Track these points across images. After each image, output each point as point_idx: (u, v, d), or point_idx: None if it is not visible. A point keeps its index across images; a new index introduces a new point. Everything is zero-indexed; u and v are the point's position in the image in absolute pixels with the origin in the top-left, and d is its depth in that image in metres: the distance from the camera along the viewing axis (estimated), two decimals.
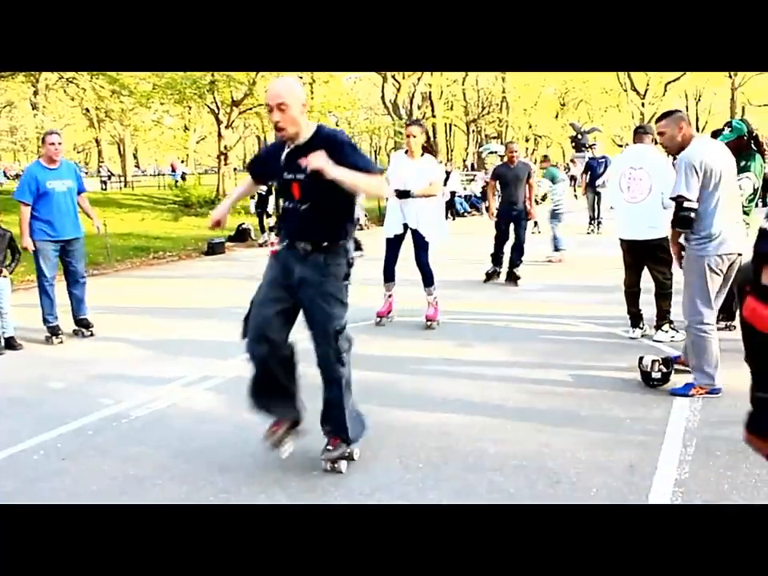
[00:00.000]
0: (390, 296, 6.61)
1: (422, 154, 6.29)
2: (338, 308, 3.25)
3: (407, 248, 6.43)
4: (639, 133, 5.93)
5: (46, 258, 6.19)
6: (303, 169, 3.04)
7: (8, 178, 32.80)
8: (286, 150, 3.22)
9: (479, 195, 22.18)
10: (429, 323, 6.35)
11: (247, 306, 3.34)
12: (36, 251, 6.18)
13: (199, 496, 3.18)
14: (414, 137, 6.20)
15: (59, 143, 6.21)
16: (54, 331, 6.29)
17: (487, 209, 9.28)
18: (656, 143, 5.93)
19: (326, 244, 3.22)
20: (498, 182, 8.78)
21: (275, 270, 3.33)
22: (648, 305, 5.74)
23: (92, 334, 6.48)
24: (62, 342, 6.27)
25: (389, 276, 6.52)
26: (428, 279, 6.38)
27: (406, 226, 6.30)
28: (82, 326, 6.49)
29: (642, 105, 40.88)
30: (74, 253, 6.36)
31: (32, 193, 6.09)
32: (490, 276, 8.80)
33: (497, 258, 8.82)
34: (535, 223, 14.71)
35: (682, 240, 4.42)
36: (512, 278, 8.58)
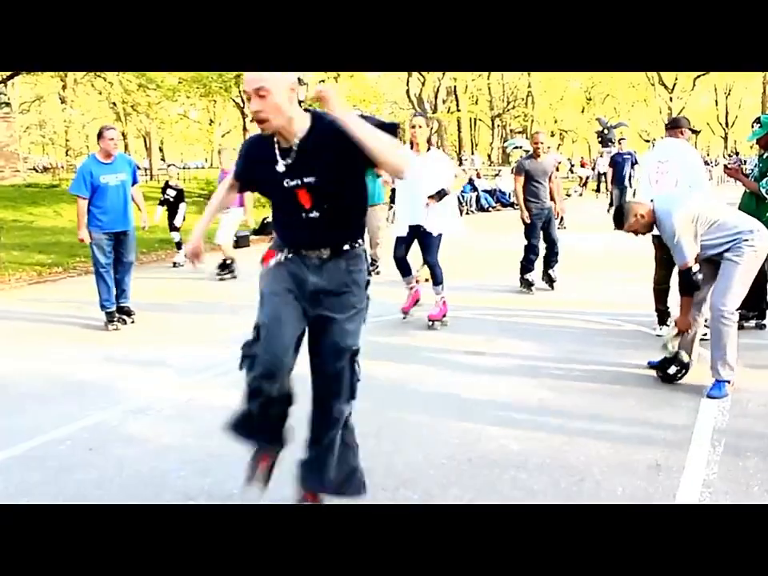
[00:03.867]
0: (411, 288, 6.45)
1: (428, 149, 6.10)
2: (356, 323, 2.70)
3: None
4: (671, 126, 5.84)
5: (100, 247, 6.44)
6: (312, 171, 2.54)
7: (36, 171, 33.25)
8: (279, 152, 2.59)
9: (504, 190, 22.05)
10: (431, 323, 6.18)
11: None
12: (91, 241, 6.44)
13: (222, 489, 3.19)
14: (420, 127, 5.97)
15: (112, 138, 6.41)
16: (111, 317, 6.50)
17: (518, 207, 7.82)
18: (695, 132, 5.86)
19: (346, 247, 2.67)
20: (524, 177, 7.78)
21: (284, 280, 2.67)
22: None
23: (133, 322, 6.64)
24: (117, 329, 6.44)
25: (404, 270, 6.35)
26: (436, 278, 6.23)
27: (411, 228, 6.13)
28: (124, 313, 6.65)
29: (670, 99, 40.31)
30: (124, 244, 6.60)
31: (87, 186, 6.32)
32: (529, 285, 7.87)
33: (527, 265, 7.89)
34: (561, 218, 14.56)
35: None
36: (548, 280, 7.98)
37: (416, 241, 6.27)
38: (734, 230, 4.25)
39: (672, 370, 4.45)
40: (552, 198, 7.97)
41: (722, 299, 4.24)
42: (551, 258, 7.99)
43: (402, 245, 6.26)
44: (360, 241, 2.74)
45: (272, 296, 2.64)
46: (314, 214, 2.60)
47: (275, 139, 2.59)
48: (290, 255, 2.68)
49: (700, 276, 4.26)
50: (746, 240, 4.22)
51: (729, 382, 4.24)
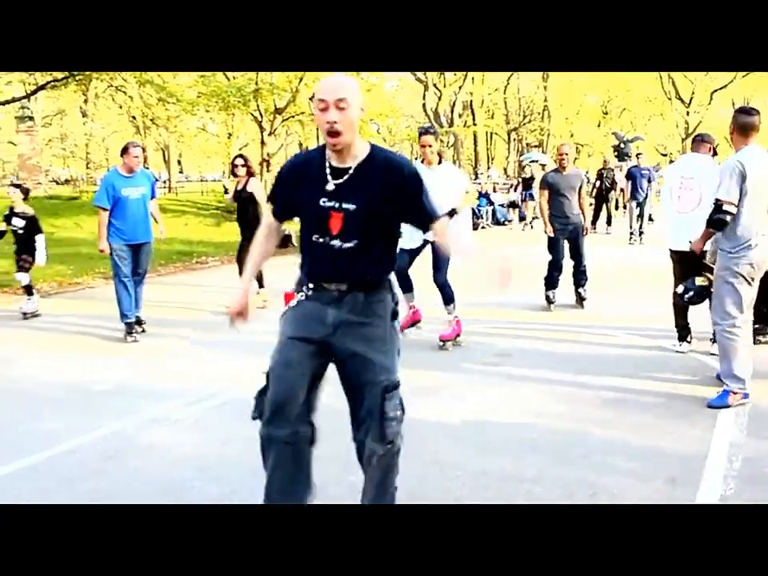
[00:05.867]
0: (411, 307, 6.17)
1: (440, 162, 5.97)
2: (387, 356, 2.56)
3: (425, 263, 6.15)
4: (697, 141, 5.74)
5: (121, 258, 6.54)
6: (355, 198, 2.48)
7: (57, 183, 33.63)
8: (330, 170, 2.53)
9: (520, 204, 22.03)
10: (442, 343, 5.95)
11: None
12: (112, 252, 6.54)
13: (238, 499, 3.21)
14: (430, 146, 5.84)
15: (137, 156, 6.57)
16: (131, 328, 6.56)
17: (538, 222, 8.00)
18: (714, 154, 5.80)
19: (364, 282, 2.59)
20: (549, 191, 7.68)
21: (300, 319, 2.59)
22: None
23: (143, 331, 6.70)
24: (135, 341, 6.47)
25: (404, 285, 5.99)
26: (447, 298, 6.01)
27: (425, 242, 5.85)
28: (135, 322, 6.69)
29: (687, 113, 40.10)
30: (142, 255, 6.71)
31: (109, 199, 6.46)
32: (551, 301, 7.72)
33: (550, 282, 7.73)
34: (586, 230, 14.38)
35: (708, 246, 4.82)
36: (578, 299, 7.79)
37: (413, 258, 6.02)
38: (737, 235, 4.26)
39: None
40: (583, 213, 7.80)
41: (721, 314, 4.30)
42: (579, 277, 7.76)
43: (406, 257, 5.84)
44: (384, 275, 2.65)
45: (283, 340, 2.59)
46: (336, 242, 2.51)
47: (326, 157, 2.54)
48: (310, 293, 2.60)
49: (728, 217, 4.17)
50: (731, 247, 4.25)
51: (736, 393, 4.22)
